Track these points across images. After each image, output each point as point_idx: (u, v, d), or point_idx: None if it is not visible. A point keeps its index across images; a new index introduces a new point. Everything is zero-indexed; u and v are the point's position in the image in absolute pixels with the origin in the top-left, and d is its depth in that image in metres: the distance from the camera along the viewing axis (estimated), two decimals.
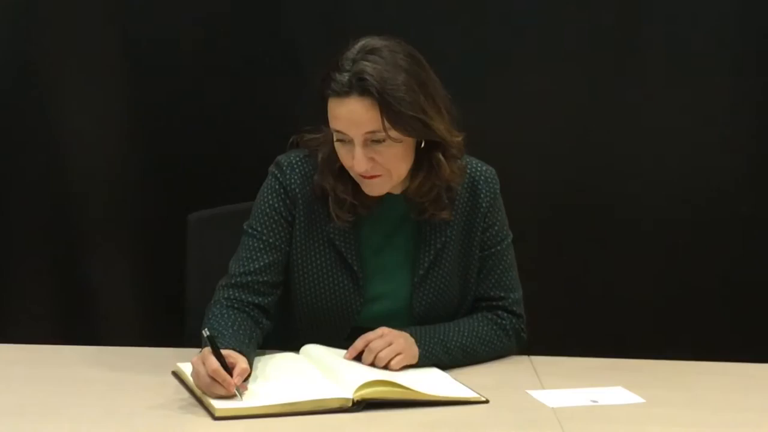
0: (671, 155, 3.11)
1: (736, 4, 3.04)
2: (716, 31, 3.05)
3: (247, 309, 2.27)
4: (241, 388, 2.02)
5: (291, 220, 2.34)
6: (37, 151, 3.07)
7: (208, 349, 2.04)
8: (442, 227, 2.35)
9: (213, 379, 2.00)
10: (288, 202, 2.33)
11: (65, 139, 3.07)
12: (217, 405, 1.96)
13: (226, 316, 2.22)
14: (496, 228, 2.39)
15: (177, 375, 2.17)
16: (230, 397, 2.00)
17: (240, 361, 2.05)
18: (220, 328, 2.15)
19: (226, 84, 3.06)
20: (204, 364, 2.02)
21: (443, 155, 2.28)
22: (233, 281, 2.30)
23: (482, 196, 2.38)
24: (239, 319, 2.22)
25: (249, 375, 2.09)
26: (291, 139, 2.38)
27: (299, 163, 2.35)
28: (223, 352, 2.04)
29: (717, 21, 3.04)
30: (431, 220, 2.34)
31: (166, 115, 3.08)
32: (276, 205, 2.33)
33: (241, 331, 2.18)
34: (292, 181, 2.33)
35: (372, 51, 2.20)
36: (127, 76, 3.05)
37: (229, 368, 2.01)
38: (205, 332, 2.05)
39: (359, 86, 2.17)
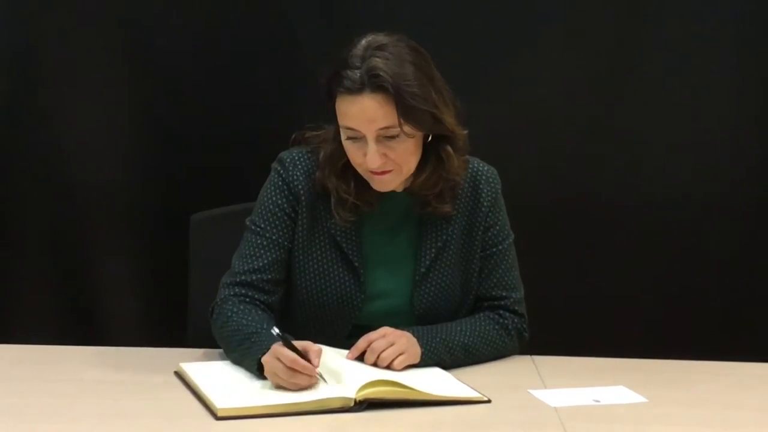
0: (672, 156, 3.10)
1: (737, 4, 3.04)
2: (718, 31, 3.05)
3: (257, 304, 2.29)
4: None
5: (294, 216, 2.34)
6: (40, 152, 3.07)
7: (276, 345, 2.05)
8: (444, 226, 2.35)
9: (293, 370, 2.01)
10: (291, 198, 2.34)
11: (67, 141, 3.07)
12: (220, 405, 1.96)
13: (252, 311, 2.25)
14: (497, 228, 2.39)
15: (179, 375, 2.17)
16: (311, 386, 2.02)
17: (310, 345, 2.07)
18: (254, 323, 2.18)
19: (227, 83, 3.06)
20: (279, 359, 2.03)
21: (452, 148, 2.28)
22: (238, 279, 2.30)
23: (484, 195, 2.38)
24: (260, 313, 2.26)
25: None
26: (293, 137, 2.38)
27: (302, 160, 2.35)
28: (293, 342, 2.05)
29: (719, 21, 3.04)
30: (434, 214, 2.34)
31: (167, 116, 3.08)
32: (279, 202, 2.34)
33: (271, 324, 2.19)
34: (295, 177, 2.34)
35: (380, 47, 2.20)
36: (127, 76, 3.05)
37: (304, 356, 2.03)
38: (275, 330, 2.06)
39: (372, 83, 2.17)
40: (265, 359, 2.07)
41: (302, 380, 2.02)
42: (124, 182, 3.11)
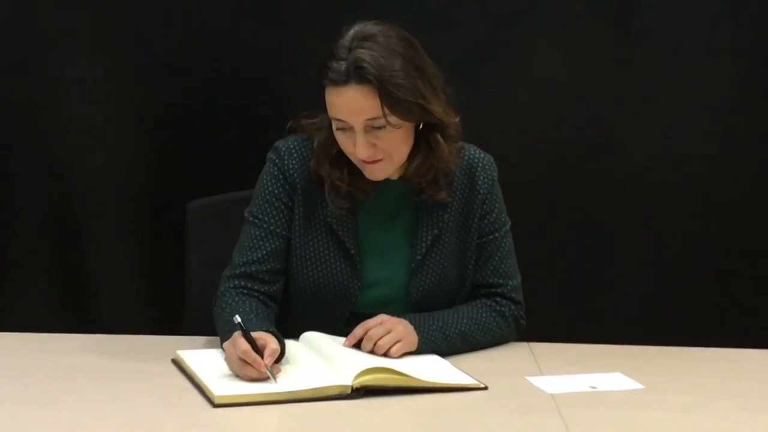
0: (670, 146, 3.10)
1: (736, 3, 3.05)
2: (716, 29, 3.05)
3: (256, 295, 2.29)
4: (274, 370, 2.03)
5: (290, 205, 2.34)
6: (37, 140, 3.07)
7: (238, 333, 2.05)
8: (440, 213, 2.35)
9: (244, 361, 2.01)
10: (287, 187, 2.34)
11: (64, 129, 3.07)
12: (217, 392, 1.97)
13: (246, 302, 2.24)
14: (494, 215, 2.39)
15: (177, 363, 2.18)
16: (264, 379, 2.01)
17: (270, 342, 2.05)
18: (244, 314, 2.16)
19: (223, 71, 3.05)
20: (234, 346, 2.03)
21: (441, 136, 2.28)
22: (238, 271, 2.31)
23: (480, 182, 2.38)
24: (254, 304, 2.25)
25: (282, 356, 2.09)
26: (289, 124, 2.38)
27: (297, 148, 2.35)
28: (254, 334, 2.05)
29: (716, 18, 3.04)
30: (430, 201, 2.34)
31: (164, 104, 3.07)
32: (276, 192, 2.34)
33: (262, 315, 2.20)
34: (291, 166, 2.34)
35: (366, 37, 2.19)
36: (124, 65, 3.05)
37: (260, 350, 2.02)
38: (236, 318, 2.05)
39: (357, 74, 2.17)
40: (225, 345, 2.08)
41: (251, 373, 2.02)
42: (121, 170, 3.11)
